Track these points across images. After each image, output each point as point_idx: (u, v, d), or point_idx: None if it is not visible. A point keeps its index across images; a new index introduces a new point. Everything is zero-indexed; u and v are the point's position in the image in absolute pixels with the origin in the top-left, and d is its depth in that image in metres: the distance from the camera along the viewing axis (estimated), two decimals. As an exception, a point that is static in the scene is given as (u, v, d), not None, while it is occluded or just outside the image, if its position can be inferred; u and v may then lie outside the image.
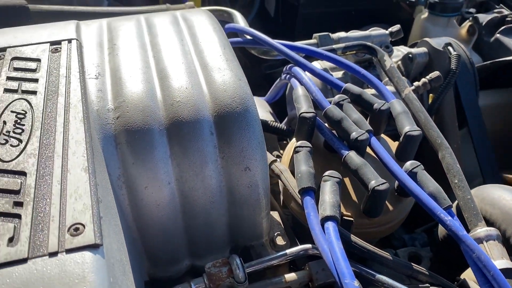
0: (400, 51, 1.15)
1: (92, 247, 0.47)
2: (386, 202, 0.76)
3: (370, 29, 1.13)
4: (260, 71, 1.49)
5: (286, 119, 1.16)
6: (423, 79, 0.95)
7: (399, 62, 1.10)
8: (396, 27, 1.12)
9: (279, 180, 0.81)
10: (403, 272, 0.68)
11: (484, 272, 0.62)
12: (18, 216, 0.49)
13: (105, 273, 0.46)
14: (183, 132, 0.66)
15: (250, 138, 0.68)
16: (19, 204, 0.50)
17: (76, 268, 0.45)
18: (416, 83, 0.95)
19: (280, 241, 0.77)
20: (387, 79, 0.98)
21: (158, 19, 0.88)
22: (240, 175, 0.68)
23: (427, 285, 0.66)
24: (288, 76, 0.93)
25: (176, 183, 0.67)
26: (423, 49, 1.06)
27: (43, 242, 0.47)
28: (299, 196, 0.72)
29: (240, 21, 1.13)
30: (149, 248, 0.72)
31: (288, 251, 0.71)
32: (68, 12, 1.05)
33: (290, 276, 0.73)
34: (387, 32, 1.12)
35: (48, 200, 0.51)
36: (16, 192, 0.52)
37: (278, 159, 0.85)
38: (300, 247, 0.71)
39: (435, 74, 0.94)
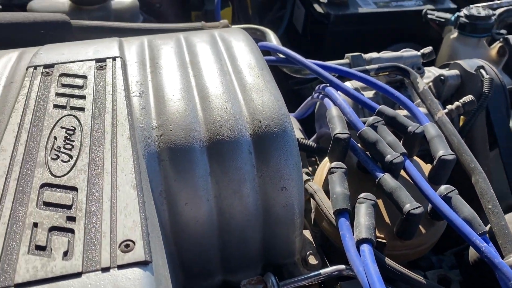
0: (431, 72, 1.15)
1: (142, 264, 0.49)
2: (420, 225, 0.77)
3: (402, 50, 1.14)
4: (287, 86, 1.51)
5: (314, 136, 1.18)
6: (457, 103, 0.95)
7: (430, 84, 1.10)
8: (428, 48, 1.12)
9: (312, 199, 0.83)
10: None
11: (520, 300, 0.62)
12: (72, 231, 0.51)
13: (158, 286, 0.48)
14: (223, 151, 0.68)
15: (287, 158, 0.69)
16: (71, 219, 0.53)
17: (128, 284, 0.46)
18: (449, 107, 0.95)
19: (312, 260, 0.78)
20: (418, 100, 0.99)
21: (197, 38, 0.91)
22: (277, 195, 0.70)
23: (461, 310, 0.67)
24: (321, 95, 0.94)
25: (214, 200, 0.68)
26: (455, 72, 1.07)
27: (95, 257, 0.49)
28: (334, 217, 0.73)
29: (273, 39, 1.16)
30: (185, 262, 0.74)
31: (322, 271, 0.72)
32: (107, 28, 1.09)
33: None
34: (419, 53, 1.13)
35: (99, 216, 0.53)
36: (69, 207, 0.54)
37: (310, 178, 0.86)
38: (334, 267, 0.72)
39: (469, 98, 0.94)
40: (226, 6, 1.57)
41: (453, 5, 1.63)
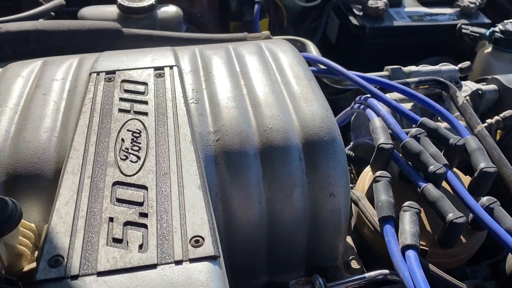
0: (467, 86, 1.17)
1: (212, 258, 0.53)
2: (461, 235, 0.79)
3: (439, 64, 1.16)
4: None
5: (350, 146, 1.20)
6: (496, 117, 0.98)
7: (468, 98, 1.13)
8: (466, 63, 1.15)
9: (355, 206, 0.86)
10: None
11: None
12: (145, 226, 0.56)
13: (223, 282, 0.51)
14: (275, 157, 0.72)
15: (336, 166, 0.73)
16: (144, 215, 0.57)
17: (200, 276, 0.50)
18: (489, 121, 0.98)
19: (354, 264, 0.81)
20: (457, 113, 1.02)
21: (245, 49, 0.95)
22: (325, 200, 0.73)
23: (503, 318, 0.69)
24: (362, 106, 0.97)
25: (266, 203, 0.72)
26: (493, 86, 1.09)
27: (169, 251, 0.53)
28: (378, 223, 0.76)
29: (313, 50, 1.20)
30: (234, 263, 0.77)
31: (366, 274, 0.75)
32: (156, 37, 1.14)
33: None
34: (457, 68, 1.15)
35: (169, 213, 0.57)
36: (140, 204, 0.58)
37: (352, 186, 0.89)
38: (378, 271, 0.75)
39: (509, 112, 0.96)
40: (264, 17, 1.62)
41: (487, 20, 1.64)
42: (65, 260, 0.51)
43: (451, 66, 1.16)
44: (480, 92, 1.08)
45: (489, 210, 0.75)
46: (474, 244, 0.81)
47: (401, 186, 0.87)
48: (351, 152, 1.10)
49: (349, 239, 0.87)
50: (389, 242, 0.71)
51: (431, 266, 0.71)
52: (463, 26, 1.54)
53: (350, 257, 0.82)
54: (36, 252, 0.63)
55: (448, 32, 1.60)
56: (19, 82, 0.83)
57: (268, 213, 0.73)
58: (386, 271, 0.74)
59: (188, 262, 0.52)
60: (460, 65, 1.16)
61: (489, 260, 0.98)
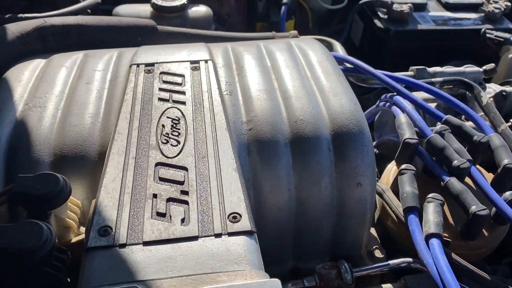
0: (491, 88, 1.19)
1: (248, 233, 0.56)
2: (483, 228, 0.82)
3: (464, 66, 1.19)
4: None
5: (374, 144, 1.23)
6: (520, 116, 1.00)
7: (491, 99, 1.14)
8: (491, 65, 1.17)
9: (379, 199, 0.89)
10: (500, 293, 0.73)
11: None
12: (186, 202, 0.60)
13: (259, 255, 0.55)
14: (305, 146, 0.76)
15: (364, 157, 0.76)
16: (185, 192, 0.61)
17: (238, 249, 0.54)
18: (512, 120, 1.00)
19: (378, 254, 0.83)
20: (481, 113, 1.04)
21: (275, 46, 0.99)
22: (352, 190, 0.77)
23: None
24: (387, 104, 1.00)
25: (295, 190, 0.76)
26: (517, 88, 1.11)
27: (209, 225, 0.57)
28: (402, 214, 0.79)
29: (339, 50, 1.23)
30: (263, 247, 0.80)
31: (390, 262, 0.78)
32: (189, 34, 1.19)
33: (387, 286, 0.80)
34: (481, 69, 1.18)
35: (208, 192, 0.61)
36: (181, 183, 0.63)
37: (378, 179, 0.92)
38: (402, 259, 0.77)
39: (533, 112, 0.99)
40: (289, 19, 1.66)
41: (511, 25, 1.65)
42: (113, 230, 0.56)
43: (475, 68, 1.18)
44: (504, 93, 1.10)
45: (511, 203, 0.77)
46: (496, 238, 0.83)
47: (425, 181, 0.89)
48: (375, 150, 1.12)
49: (372, 231, 0.90)
50: (413, 231, 0.74)
51: (454, 256, 0.74)
52: (487, 30, 1.56)
53: (374, 247, 0.85)
54: (81, 228, 0.67)
55: (472, 36, 1.61)
56: (63, 71, 0.88)
57: (296, 200, 0.76)
58: (410, 259, 0.77)
59: (227, 235, 0.56)
60: (484, 67, 1.18)
61: (509, 258, 0.99)
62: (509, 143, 0.92)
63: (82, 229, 0.66)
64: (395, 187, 0.86)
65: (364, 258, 0.84)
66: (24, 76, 0.87)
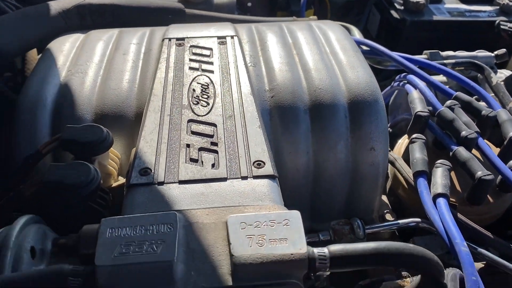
0: (503, 73, 1.24)
1: (271, 177, 0.63)
2: (488, 195, 0.87)
3: (476, 51, 1.24)
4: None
5: (389, 124, 1.28)
6: (528, 96, 1.05)
7: (502, 82, 1.19)
8: (502, 50, 1.22)
9: (391, 169, 0.95)
10: (505, 252, 0.78)
11: None
12: (216, 152, 0.67)
13: (280, 195, 0.62)
14: (323, 113, 0.82)
15: (378, 123, 0.82)
16: (214, 144, 0.68)
17: (262, 189, 0.61)
18: (521, 98, 1.05)
19: (389, 217, 0.89)
20: (492, 94, 1.09)
21: (296, 26, 1.06)
22: (366, 154, 0.83)
23: (525, 265, 0.76)
24: (401, 83, 1.06)
25: (313, 154, 0.82)
26: (527, 72, 1.16)
27: (236, 170, 0.64)
28: (413, 179, 0.84)
29: (356, 34, 1.29)
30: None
31: (400, 221, 0.84)
32: (215, 18, 1.26)
33: (396, 246, 0.86)
34: (492, 54, 1.23)
35: (235, 144, 0.68)
36: (211, 136, 0.70)
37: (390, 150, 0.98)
38: (411, 219, 0.83)
39: (541, 91, 1.03)
40: (309, 9, 1.73)
41: (526, 18, 1.69)
42: (152, 171, 0.63)
43: (487, 53, 1.23)
44: (514, 76, 1.15)
45: (516, 171, 0.83)
46: (500, 205, 0.88)
47: (435, 153, 0.95)
48: (389, 129, 1.18)
49: (384, 198, 0.96)
50: (421, 192, 0.80)
51: (460, 215, 0.79)
52: (501, 22, 1.60)
53: (385, 211, 0.91)
54: (120, 177, 0.75)
55: (487, 28, 1.66)
56: (100, 44, 0.96)
57: (314, 162, 0.83)
58: (418, 219, 0.83)
59: (252, 178, 0.63)
60: (496, 52, 1.23)
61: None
62: (516, 120, 0.97)
63: (121, 178, 0.74)
64: (406, 156, 0.91)
65: (375, 222, 0.90)
66: (65, 47, 0.95)
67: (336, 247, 0.53)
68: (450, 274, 0.59)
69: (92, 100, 0.81)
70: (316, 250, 0.52)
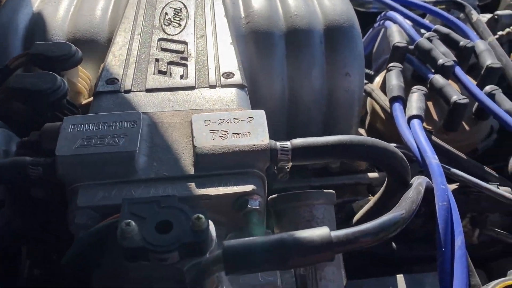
0: (486, 17, 1.23)
1: (240, 86, 0.63)
2: (464, 123, 0.87)
3: (459, -7, 1.23)
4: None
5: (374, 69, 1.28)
6: (508, 29, 1.04)
7: (485, 23, 1.18)
8: (485, -9, 1.21)
9: (369, 102, 0.94)
10: (475, 172, 0.78)
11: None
12: (185, 65, 0.66)
13: (249, 103, 0.62)
14: (298, 39, 0.81)
15: (352, 49, 0.82)
16: (184, 58, 0.68)
17: (230, 96, 0.61)
18: (499, 33, 1.04)
19: (366, 147, 0.89)
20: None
21: None
22: (341, 80, 0.82)
23: (497, 183, 0.76)
24: (382, 21, 1.05)
25: (287, 80, 0.82)
26: (508, 12, 1.15)
27: (205, 80, 0.63)
28: (389, 105, 0.84)
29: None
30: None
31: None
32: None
33: (373, 175, 0.86)
34: (475, -5, 1.22)
35: (205, 58, 0.68)
36: (181, 52, 0.69)
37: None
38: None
39: (521, 25, 1.03)
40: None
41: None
42: (120, 81, 0.62)
43: (470, -6, 1.22)
44: (496, 16, 1.14)
45: (491, 96, 0.83)
46: (476, 132, 0.88)
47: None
48: (371, 71, 1.18)
49: (362, 131, 0.96)
50: (396, 116, 0.80)
51: (434, 138, 0.80)
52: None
53: (362, 142, 0.90)
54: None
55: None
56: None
57: (289, 88, 0.82)
58: (394, 144, 0.82)
59: (220, 87, 0.62)
60: (478, -7, 1.22)
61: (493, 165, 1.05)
62: (495, 53, 0.97)
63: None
64: (383, 87, 0.91)
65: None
66: (38, -21, 0.93)
67: (299, 140, 0.52)
68: (418, 180, 0.59)
69: (64, 27, 0.80)
70: (279, 143, 0.52)
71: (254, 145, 0.50)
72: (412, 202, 0.49)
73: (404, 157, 0.55)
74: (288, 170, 0.53)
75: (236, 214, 0.49)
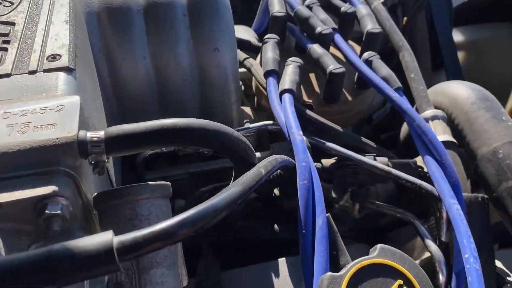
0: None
1: (66, 70, 0.55)
2: (346, 93, 0.83)
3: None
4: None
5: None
6: (392, -8, 1.01)
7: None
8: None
9: (253, 79, 0.89)
10: (353, 144, 0.75)
11: (423, 138, 0.69)
12: (5, 49, 0.57)
13: (75, 88, 0.54)
14: (158, 13, 0.74)
15: (219, 21, 0.75)
16: (7, 42, 0.58)
17: (50, 81, 0.53)
18: (385, -3, 1.01)
19: (248, 125, 0.84)
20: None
21: None
22: (210, 55, 0.76)
23: (374, 154, 0.73)
24: (266, -8, 0.99)
25: (151, 58, 0.74)
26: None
27: (24, 65, 0.55)
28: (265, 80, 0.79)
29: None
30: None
31: (251, 125, 0.78)
32: None
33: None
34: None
35: (31, 40, 0.59)
36: (5, 35, 0.60)
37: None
38: (262, 122, 0.78)
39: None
40: None
41: None
42: None
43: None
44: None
45: (368, 62, 0.79)
46: (361, 102, 0.85)
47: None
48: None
49: (248, 110, 0.90)
50: (270, 91, 0.75)
51: (309, 112, 0.75)
52: None
53: (245, 121, 0.85)
54: None
55: None
56: None
57: (154, 68, 0.75)
58: (270, 122, 0.77)
59: (41, 72, 0.54)
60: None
61: (387, 133, 1.03)
62: (380, 18, 0.93)
63: None
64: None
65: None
66: None
67: (114, 128, 0.46)
68: (267, 160, 0.54)
69: None
70: (90, 133, 0.45)
71: (57, 139, 0.43)
72: (230, 190, 0.43)
73: (241, 137, 0.50)
74: (107, 163, 0.46)
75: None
